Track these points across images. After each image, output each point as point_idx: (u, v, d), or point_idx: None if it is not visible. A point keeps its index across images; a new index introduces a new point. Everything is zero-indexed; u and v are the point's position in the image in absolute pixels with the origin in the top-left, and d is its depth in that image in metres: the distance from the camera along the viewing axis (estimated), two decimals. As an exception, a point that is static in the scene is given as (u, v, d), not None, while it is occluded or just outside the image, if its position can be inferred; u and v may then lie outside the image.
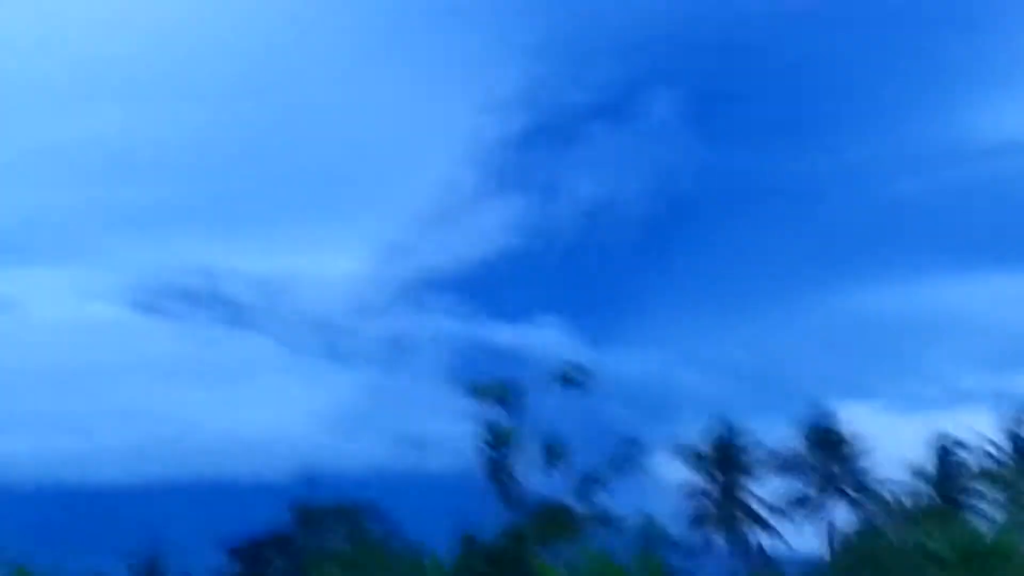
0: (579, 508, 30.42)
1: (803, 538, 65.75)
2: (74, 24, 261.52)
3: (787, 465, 66.05)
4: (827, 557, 62.21)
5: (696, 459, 65.04)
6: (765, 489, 66.44)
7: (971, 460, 61.46)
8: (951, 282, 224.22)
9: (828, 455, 65.78)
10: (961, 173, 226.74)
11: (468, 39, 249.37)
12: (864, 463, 65.97)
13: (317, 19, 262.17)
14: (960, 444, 61.45)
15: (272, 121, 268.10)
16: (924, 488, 60.30)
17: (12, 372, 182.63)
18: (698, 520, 64.44)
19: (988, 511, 57.16)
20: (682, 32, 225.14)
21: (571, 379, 29.68)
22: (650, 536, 39.37)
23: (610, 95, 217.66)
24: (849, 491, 65.10)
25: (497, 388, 28.84)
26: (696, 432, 68.29)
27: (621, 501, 32.49)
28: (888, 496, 62.57)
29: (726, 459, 65.31)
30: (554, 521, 30.51)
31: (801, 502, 65.83)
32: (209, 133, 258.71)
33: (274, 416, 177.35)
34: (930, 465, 60.97)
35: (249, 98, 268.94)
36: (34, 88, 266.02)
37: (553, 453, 29.33)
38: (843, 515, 64.64)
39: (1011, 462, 60.41)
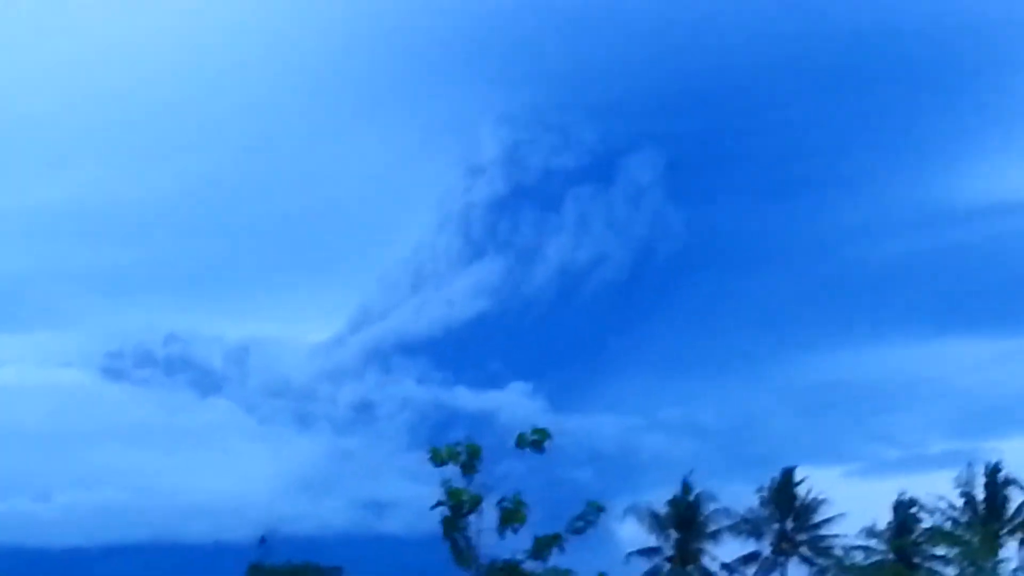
0: (534, 569, 29.52)
1: None
2: (46, 86, 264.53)
3: (744, 525, 68.48)
4: None
5: (653, 520, 67.68)
6: (721, 548, 68.83)
7: (929, 521, 63.49)
8: (922, 347, 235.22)
9: (786, 516, 67.93)
10: (934, 238, 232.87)
11: (449, 104, 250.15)
12: (822, 524, 68.36)
13: (292, 82, 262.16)
14: (919, 506, 63.38)
15: (245, 184, 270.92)
16: (880, 547, 62.68)
17: None
18: None
19: (943, 570, 60.93)
20: (662, 96, 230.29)
21: (534, 443, 28.24)
22: None
23: (589, 159, 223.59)
24: (805, 550, 67.53)
25: (457, 452, 29.52)
26: (658, 494, 70.69)
27: (578, 561, 31.89)
28: (843, 555, 65.22)
29: (683, 520, 67.34)
30: None
31: (755, 560, 68.63)
32: (180, 196, 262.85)
33: (238, 480, 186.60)
34: (888, 526, 63.17)
35: (223, 161, 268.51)
36: (3, 150, 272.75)
37: (511, 515, 27.87)
38: (798, 573, 67.28)
39: (967, 523, 62.11)
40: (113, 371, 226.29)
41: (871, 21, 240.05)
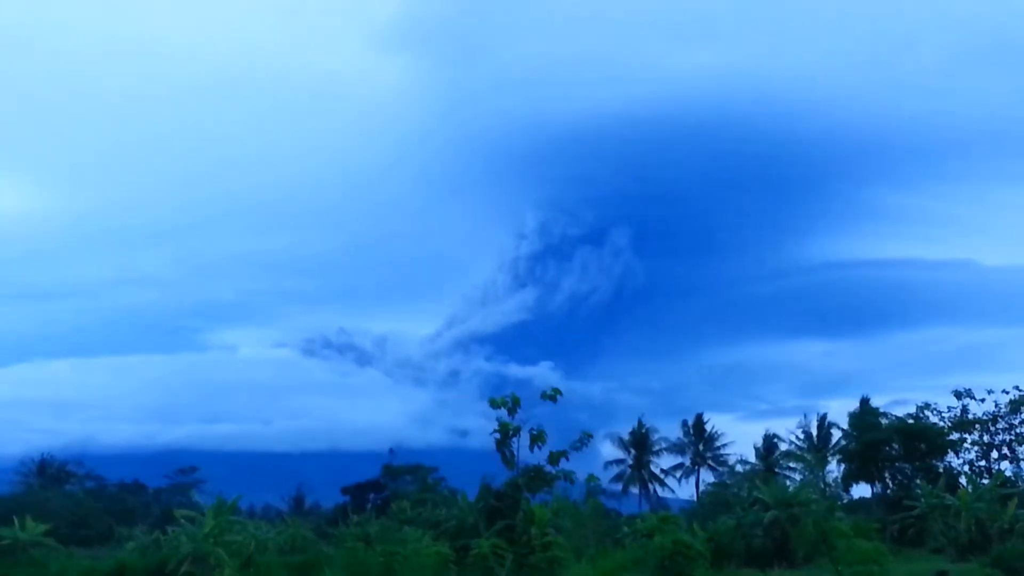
0: (551, 470, 31.07)
1: (683, 489, 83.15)
2: (277, 168, 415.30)
3: (675, 447, 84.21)
4: (696, 500, 75.94)
5: (620, 442, 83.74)
6: (661, 460, 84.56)
7: (784, 447, 75.96)
8: (784, 344, 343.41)
9: (699, 442, 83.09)
10: (791, 281, 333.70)
11: (507, 195, 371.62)
12: (720, 447, 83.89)
13: (414, 176, 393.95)
14: (778, 438, 76.72)
15: (384, 239, 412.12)
16: (755, 462, 74.81)
17: (229, 386, 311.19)
18: (621, 478, 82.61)
19: (792, 476, 69.79)
20: (630, 194, 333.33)
21: (551, 397, 30.86)
22: (592, 488, 46.53)
23: (588, 231, 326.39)
24: (711, 463, 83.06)
25: (506, 401, 30.45)
26: (624, 427, 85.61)
27: (577, 466, 32.26)
28: (733, 466, 78.56)
29: (638, 443, 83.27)
30: (536, 477, 31.54)
31: (680, 468, 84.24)
32: (347, 248, 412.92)
33: (380, 415, 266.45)
34: (759, 450, 76.36)
35: (372, 222, 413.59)
36: (244, 206, 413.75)
37: (537, 438, 29.94)
38: (707, 477, 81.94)
39: (806, 449, 74.27)
40: (308, 351, 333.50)
41: (755, 149, 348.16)
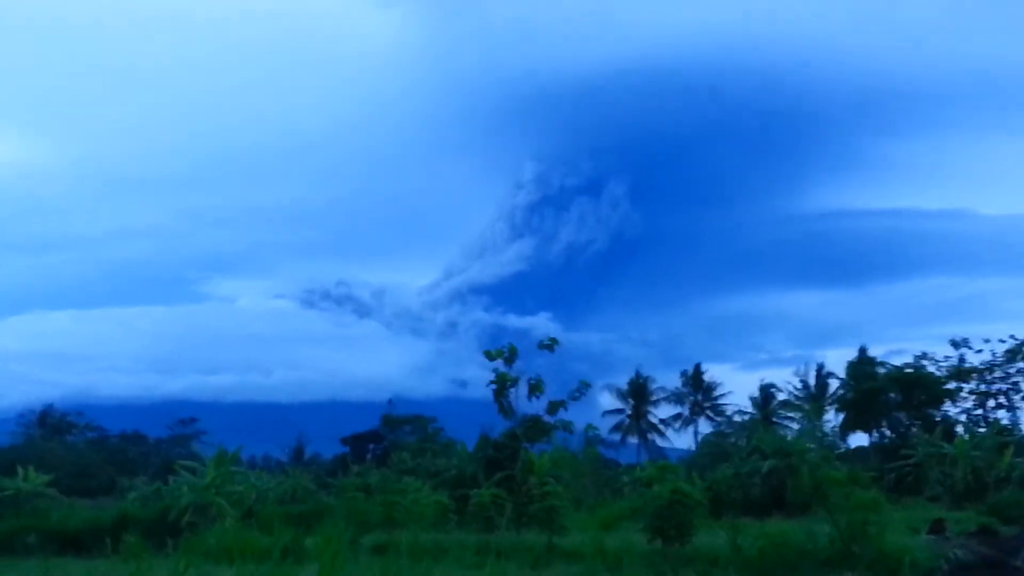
0: (549, 420, 31.65)
1: (681, 439, 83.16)
2: (276, 120, 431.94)
3: (673, 397, 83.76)
4: (694, 450, 74.95)
5: (619, 393, 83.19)
6: (659, 410, 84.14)
7: (782, 396, 74.69)
8: (782, 294, 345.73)
9: (697, 392, 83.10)
10: (791, 230, 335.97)
11: (506, 146, 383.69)
12: (718, 397, 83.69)
13: (414, 129, 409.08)
14: (776, 388, 75.31)
15: (385, 191, 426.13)
16: (752, 412, 73.16)
17: (228, 337, 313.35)
18: (619, 428, 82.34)
19: (790, 425, 68.87)
20: (629, 144, 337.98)
21: (548, 346, 31.65)
22: (591, 438, 46.37)
23: (586, 181, 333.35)
24: (709, 413, 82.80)
25: (503, 351, 30.90)
26: (622, 378, 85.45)
27: (575, 416, 33.06)
28: (731, 416, 77.94)
29: (637, 393, 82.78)
30: (534, 427, 32.08)
31: (679, 418, 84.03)
32: (347, 199, 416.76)
33: (379, 366, 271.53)
34: (756, 399, 74.52)
35: (372, 174, 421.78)
36: (244, 159, 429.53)
37: (535, 388, 30.52)
38: (705, 427, 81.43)
39: (803, 398, 73.90)
40: (307, 302, 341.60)
41: (751, 100, 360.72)
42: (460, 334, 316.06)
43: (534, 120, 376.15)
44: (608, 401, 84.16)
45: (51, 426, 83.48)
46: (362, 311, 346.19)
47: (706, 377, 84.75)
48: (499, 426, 35.00)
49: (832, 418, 71.30)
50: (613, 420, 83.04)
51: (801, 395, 75.22)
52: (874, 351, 71.63)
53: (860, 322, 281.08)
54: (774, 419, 72.73)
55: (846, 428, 69.49)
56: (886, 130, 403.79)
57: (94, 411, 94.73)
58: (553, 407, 31.09)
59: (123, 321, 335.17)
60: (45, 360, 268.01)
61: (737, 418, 75.77)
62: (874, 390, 66.52)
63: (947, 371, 68.33)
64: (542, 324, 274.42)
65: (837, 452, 60.94)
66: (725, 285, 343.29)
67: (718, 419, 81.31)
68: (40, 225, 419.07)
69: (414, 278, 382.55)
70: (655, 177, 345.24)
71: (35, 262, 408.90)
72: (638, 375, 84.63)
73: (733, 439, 63.75)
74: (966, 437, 51.64)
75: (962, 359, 68.84)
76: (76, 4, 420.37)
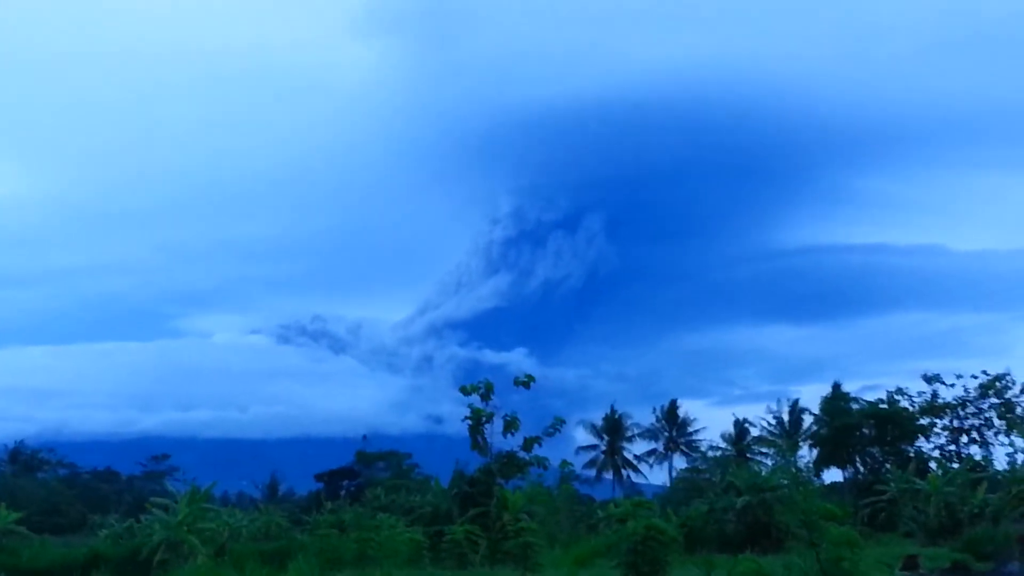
0: (524, 456, 31.29)
1: (656, 475, 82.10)
2: (253, 155, 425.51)
3: (648, 433, 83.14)
4: (669, 486, 75.43)
5: (593, 428, 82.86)
6: (634, 446, 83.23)
7: (756, 432, 75.02)
8: (757, 329, 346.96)
9: (672, 427, 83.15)
10: (767, 265, 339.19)
11: (482, 182, 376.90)
12: (693, 433, 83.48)
13: (389, 165, 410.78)
14: (750, 423, 75.73)
15: (361, 226, 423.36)
16: (726, 447, 74.05)
17: (204, 372, 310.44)
18: (594, 464, 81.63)
19: (764, 461, 65.28)
20: (604, 182, 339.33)
21: (524, 383, 31.18)
22: (566, 474, 47.26)
23: (562, 216, 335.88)
24: (683, 448, 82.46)
25: (479, 387, 30.62)
26: (597, 414, 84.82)
27: (550, 452, 32.52)
28: (705, 451, 76.98)
29: (612, 428, 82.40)
30: (509, 463, 31.98)
31: (654, 453, 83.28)
32: (321, 233, 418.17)
33: (354, 401, 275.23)
34: (730, 435, 75.42)
35: (341, 209, 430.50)
36: (220, 194, 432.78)
37: (511, 424, 30.10)
38: (679, 463, 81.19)
39: (777, 434, 73.29)
40: (283, 337, 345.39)
41: (727, 137, 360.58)
42: (436, 369, 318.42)
43: (511, 154, 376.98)
44: (583, 437, 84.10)
45: (23, 463, 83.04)
46: (337, 346, 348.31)
47: (680, 412, 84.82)
48: (474, 462, 34.99)
49: (806, 454, 70.57)
50: (588, 456, 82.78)
51: (775, 431, 74.82)
52: (848, 387, 71.34)
53: (834, 357, 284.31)
54: (748, 455, 72.62)
55: (820, 464, 68.79)
56: (860, 167, 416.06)
57: (67, 448, 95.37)
58: (528, 443, 30.65)
59: (99, 356, 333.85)
60: (19, 396, 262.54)
61: (711, 454, 75.42)
62: (848, 426, 66.24)
63: (920, 407, 68.13)
64: (517, 359, 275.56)
65: (812, 488, 60.78)
66: (700, 320, 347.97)
67: (692, 455, 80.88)
68: (14, 259, 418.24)
69: (390, 313, 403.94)
70: (631, 212, 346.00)
71: (9, 296, 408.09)
72: (613, 411, 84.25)
73: (707, 475, 64.02)
74: (939, 473, 51.69)
75: (935, 395, 68.72)
76: (55, 36, 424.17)
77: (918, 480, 51.30)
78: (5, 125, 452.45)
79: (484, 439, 30.77)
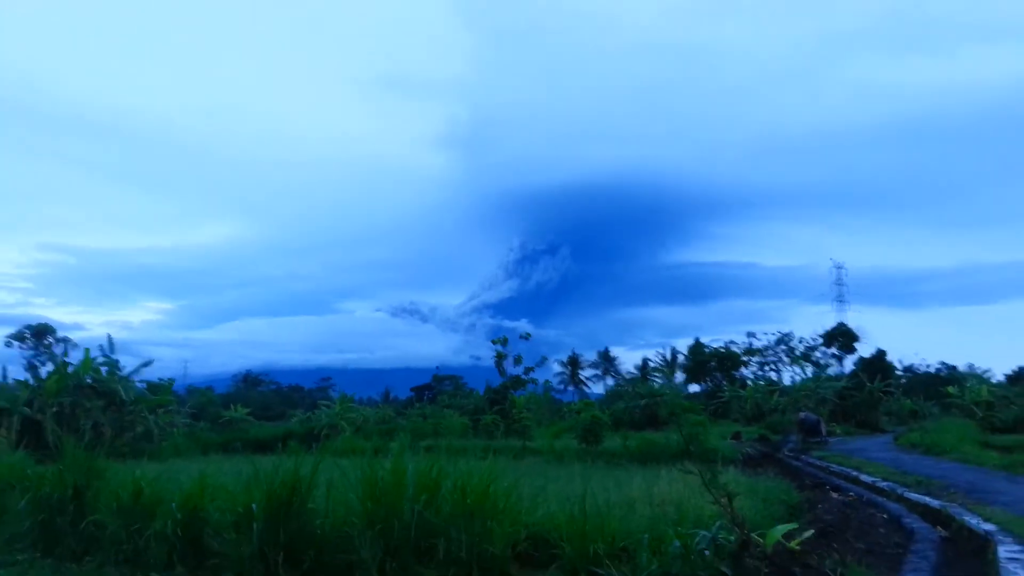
0: (525, 378, 31.21)
1: (598, 388, 78.03)
2: (371, 210, 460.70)
3: (593, 365, 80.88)
4: (604, 394, 68.48)
5: (564, 363, 79.92)
6: (585, 372, 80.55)
7: (653, 365, 70.68)
8: (655, 309, 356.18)
9: (607, 362, 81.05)
10: (663, 273, 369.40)
11: (502, 226, 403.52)
12: (619, 366, 79.86)
13: (452, 220, 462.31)
14: (650, 360, 72.28)
15: (436, 252, 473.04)
16: (637, 373, 70.10)
17: (351, 333, 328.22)
18: (563, 382, 78.61)
19: (657, 380, 64.51)
20: (572, 226, 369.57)
21: (526, 337, 32.63)
22: (547, 388, 48.55)
23: (547, 247, 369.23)
24: (613, 374, 78.54)
25: (501, 340, 30.75)
26: (566, 355, 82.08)
27: (540, 376, 33.63)
28: (625, 375, 74.68)
29: (573, 363, 79.81)
30: (516, 382, 31.58)
31: (597, 377, 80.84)
32: (415, 256, 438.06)
33: (432, 349, 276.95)
34: (640, 366, 71.75)
35: (424, 245, 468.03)
36: (353, 235, 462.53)
37: (518, 360, 30.12)
38: (610, 382, 77.62)
39: (665, 366, 69.42)
40: (393, 313, 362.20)
41: (642, 203, 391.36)
42: (477, 331, 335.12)
43: (520, 214, 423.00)
44: (558, 367, 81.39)
45: (250, 381, 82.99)
46: (423, 318, 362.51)
47: (612, 354, 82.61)
48: (497, 381, 34.46)
49: (679, 376, 68.46)
50: (560, 378, 79.88)
51: (663, 364, 71.59)
52: (704, 340, 69.81)
53: (697, 324, 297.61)
54: (648, 377, 69.25)
55: (687, 382, 67.17)
56: (712, 219, 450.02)
57: (275, 373, 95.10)
58: (527, 371, 31.17)
59: (293, 324, 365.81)
60: (249, 345, 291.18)
61: (628, 376, 73.28)
62: (703, 361, 65.34)
63: (743, 350, 67.05)
64: (523, 325, 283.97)
65: (682, 395, 59.37)
66: (623, 303, 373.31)
67: (617, 377, 78.57)
68: (240, 270, 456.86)
69: (452, 299, 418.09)
70: (585, 245, 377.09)
71: (237, 292, 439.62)
72: (574, 353, 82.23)
73: (627, 388, 60.70)
74: (753, 386, 51.10)
75: (751, 344, 67.75)
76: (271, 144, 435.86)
77: (741, 391, 50.74)
78: (231, 192, 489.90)
79: (504, 369, 31.26)
